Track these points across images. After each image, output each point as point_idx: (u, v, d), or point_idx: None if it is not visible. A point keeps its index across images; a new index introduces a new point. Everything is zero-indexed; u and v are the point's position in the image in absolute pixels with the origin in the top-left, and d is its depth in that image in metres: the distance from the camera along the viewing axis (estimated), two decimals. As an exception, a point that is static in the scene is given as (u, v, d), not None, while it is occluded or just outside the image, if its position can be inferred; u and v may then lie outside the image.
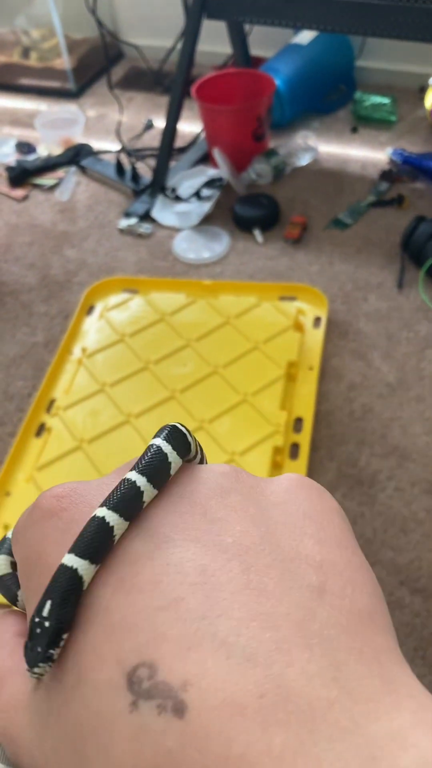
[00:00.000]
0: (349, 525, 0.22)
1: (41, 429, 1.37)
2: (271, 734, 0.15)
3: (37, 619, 0.19)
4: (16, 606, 0.24)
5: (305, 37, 2.17)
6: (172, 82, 2.03)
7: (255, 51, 2.23)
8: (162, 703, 0.16)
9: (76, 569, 0.19)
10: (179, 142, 2.06)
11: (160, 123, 2.25)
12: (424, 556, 1.16)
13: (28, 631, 0.19)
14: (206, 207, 1.85)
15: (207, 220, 1.85)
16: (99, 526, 0.20)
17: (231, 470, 0.23)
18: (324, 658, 0.17)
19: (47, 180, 2.06)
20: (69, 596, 0.19)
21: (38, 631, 0.19)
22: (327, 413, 1.39)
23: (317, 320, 1.55)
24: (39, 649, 0.18)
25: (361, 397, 1.41)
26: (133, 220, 1.87)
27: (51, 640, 0.18)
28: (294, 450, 1.30)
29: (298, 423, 1.34)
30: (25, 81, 2.52)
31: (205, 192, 1.89)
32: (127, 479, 0.21)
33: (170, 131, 1.88)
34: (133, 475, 0.21)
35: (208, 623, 0.17)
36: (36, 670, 0.18)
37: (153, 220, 1.88)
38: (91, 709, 0.17)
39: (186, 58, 1.79)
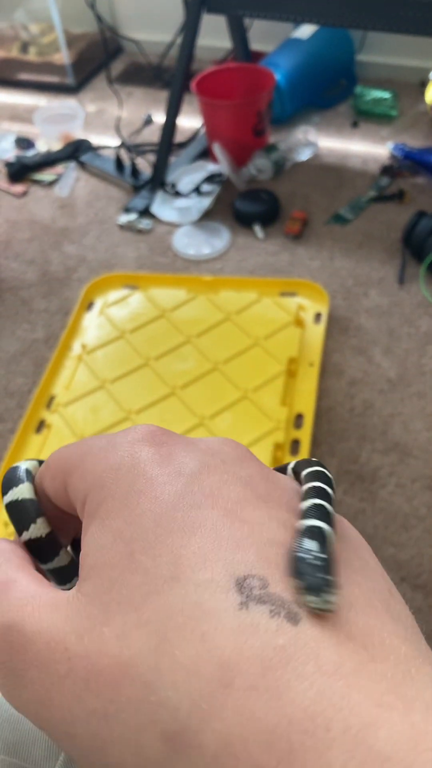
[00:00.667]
0: None
1: (41, 425, 1.36)
2: (373, 666, 0.17)
3: (302, 554, 0.19)
4: (24, 533, 0.24)
5: (305, 31, 2.16)
6: (172, 76, 2.02)
7: (255, 45, 2.22)
8: (275, 609, 0.17)
9: (322, 528, 0.20)
10: (179, 138, 2.05)
11: (159, 118, 2.24)
12: (426, 552, 1.16)
13: (295, 561, 0.19)
14: (206, 202, 1.84)
15: (207, 216, 1.84)
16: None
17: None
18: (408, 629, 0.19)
19: (46, 175, 2.06)
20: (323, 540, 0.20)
21: (314, 562, 0.19)
22: (328, 409, 1.38)
23: (318, 316, 1.54)
24: (324, 576, 0.19)
25: (361, 393, 1.41)
26: (132, 216, 1.86)
27: (328, 571, 0.19)
28: (294, 446, 1.29)
29: (298, 419, 1.34)
30: (24, 76, 2.51)
31: (205, 187, 1.88)
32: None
33: (170, 126, 1.87)
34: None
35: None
36: (328, 597, 0.18)
37: (153, 216, 1.87)
38: (188, 601, 0.18)
39: (186, 53, 1.78)
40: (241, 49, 2.16)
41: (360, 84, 2.27)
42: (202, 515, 0.20)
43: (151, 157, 2.01)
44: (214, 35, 2.20)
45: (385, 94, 2.18)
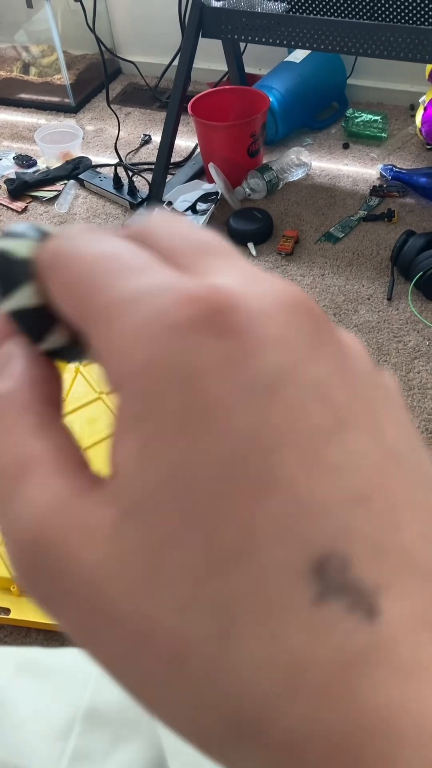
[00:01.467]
0: None
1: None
2: None
3: None
4: (6, 302, 0.19)
5: (298, 55, 2.22)
6: (169, 98, 2.08)
7: (249, 68, 2.29)
8: (353, 602, 0.15)
9: None
10: (175, 157, 2.10)
11: (156, 138, 2.29)
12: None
13: None
14: (201, 220, 1.89)
15: (202, 233, 1.89)
16: None
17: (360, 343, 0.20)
18: None
19: (46, 192, 2.11)
20: None
21: None
22: (318, 421, 1.42)
23: (309, 331, 1.58)
24: None
25: (351, 406, 1.45)
26: (129, 233, 1.91)
27: None
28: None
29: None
30: (25, 96, 2.57)
31: (201, 206, 1.93)
32: None
33: (167, 146, 1.93)
34: None
35: (394, 533, 0.16)
36: None
37: (149, 233, 1.92)
38: (258, 589, 0.15)
39: (182, 76, 1.84)
40: (236, 72, 2.23)
41: (351, 107, 2.34)
42: (281, 462, 0.16)
43: (149, 176, 2.06)
44: (210, 58, 2.26)
45: (376, 117, 2.24)
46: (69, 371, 1.52)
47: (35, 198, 2.10)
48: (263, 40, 1.75)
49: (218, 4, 1.74)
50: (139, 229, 0.20)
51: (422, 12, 1.81)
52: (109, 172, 2.15)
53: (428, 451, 0.19)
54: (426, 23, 1.81)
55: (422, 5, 1.80)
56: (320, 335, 0.17)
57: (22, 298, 0.19)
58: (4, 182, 2.13)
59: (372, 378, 0.19)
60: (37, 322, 0.19)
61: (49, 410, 0.19)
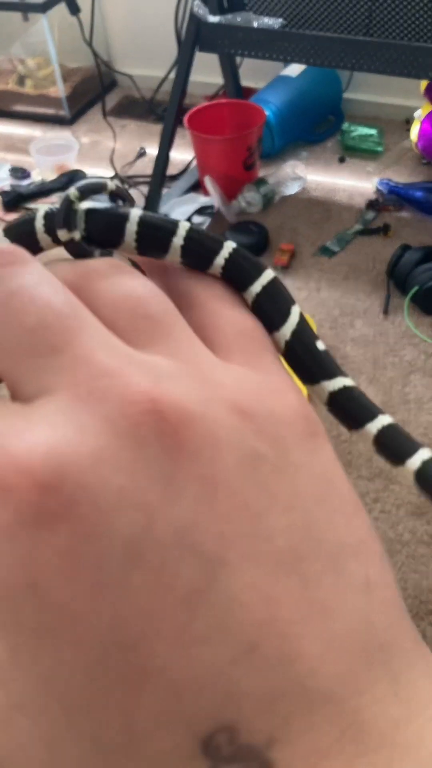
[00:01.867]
0: None
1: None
2: (355, 766, 0.15)
3: None
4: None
5: (295, 69, 2.23)
6: (165, 110, 2.08)
7: (246, 82, 2.30)
8: (247, 765, 0.15)
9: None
10: (171, 170, 2.10)
11: (152, 151, 2.30)
12: (410, 577, 1.19)
13: None
14: (197, 233, 1.88)
15: (198, 246, 1.88)
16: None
17: (243, 404, 0.17)
18: (386, 677, 0.16)
19: (41, 205, 2.10)
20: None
21: None
22: (314, 436, 1.41)
23: (305, 345, 1.58)
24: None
25: (347, 421, 1.44)
26: (125, 245, 1.91)
27: None
28: (282, 472, 1.32)
29: (286, 445, 1.37)
30: (20, 108, 2.57)
31: (197, 219, 1.93)
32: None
33: (163, 159, 1.92)
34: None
35: (287, 668, 0.15)
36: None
37: (145, 246, 1.91)
38: None
39: (179, 89, 1.84)
40: (233, 86, 2.23)
41: (347, 121, 2.35)
42: (148, 651, 0.15)
43: (144, 189, 2.06)
44: (206, 71, 2.27)
45: (372, 131, 2.25)
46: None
47: (30, 210, 2.09)
48: (260, 54, 1.76)
49: (215, 20, 1.75)
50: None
51: (417, 29, 1.82)
52: (104, 184, 2.14)
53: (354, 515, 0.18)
54: (421, 40, 1.83)
55: (417, 23, 1.81)
56: (175, 455, 0.15)
57: None
58: (0, 194, 2.12)
59: (256, 462, 0.16)
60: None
61: None
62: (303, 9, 1.91)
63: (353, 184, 2.12)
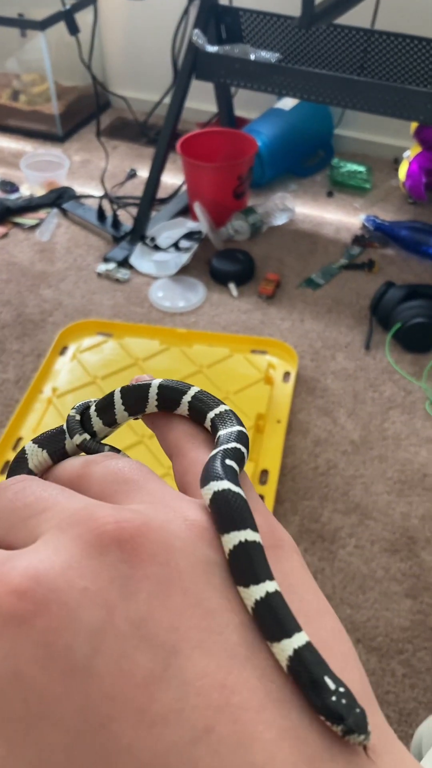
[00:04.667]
0: None
1: (6, 466, 1.36)
2: None
3: None
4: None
5: (288, 103, 2.26)
6: (157, 133, 2.09)
7: (239, 112, 2.32)
8: None
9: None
10: (161, 193, 2.11)
11: (142, 173, 2.31)
12: (381, 615, 1.18)
13: None
14: (184, 258, 1.89)
15: (184, 271, 1.89)
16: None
17: (199, 522, 0.21)
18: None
19: (28, 220, 2.09)
20: None
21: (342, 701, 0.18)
22: (292, 467, 1.41)
23: (287, 375, 1.58)
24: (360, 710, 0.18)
25: (325, 453, 1.44)
26: (111, 265, 1.90)
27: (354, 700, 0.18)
28: (258, 502, 1.31)
29: (264, 475, 1.36)
30: (13, 122, 2.57)
31: (184, 243, 1.93)
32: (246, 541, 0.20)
33: (153, 182, 1.93)
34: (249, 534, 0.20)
35: (244, 752, 0.17)
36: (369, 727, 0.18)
37: (131, 267, 1.91)
38: None
39: (173, 114, 1.85)
40: (226, 114, 2.26)
41: (337, 156, 2.38)
42: (113, 735, 0.17)
43: (133, 210, 2.06)
44: (200, 98, 2.29)
45: (360, 168, 2.29)
46: (42, 402, 1.49)
47: (17, 224, 2.08)
48: (255, 86, 1.78)
49: (213, 50, 1.77)
50: None
51: (409, 72, 1.86)
52: (92, 203, 2.14)
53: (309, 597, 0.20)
54: (413, 83, 1.87)
55: (410, 66, 1.86)
56: (132, 559, 0.18)
57: None
58: (-14, 206, 2.11)
59: (209, 567, 0.19)
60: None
61: None
62: (299, 45, 1.95)
63: (340, 218, 2.15)
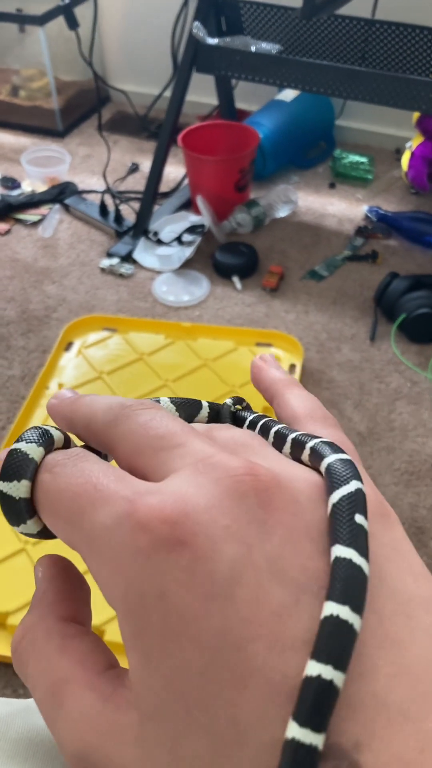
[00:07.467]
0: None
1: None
2: None
3: None
4: (21, 526, 0.24)
5: (289, 94, 2.26)
6: (158, 127, 2.08)
7: (240, 104, 2.32)
8: (337, 764, 0.17)
9: (315, 747, 0.17)
10: (163, 187, 2.11)
11: (144, 167, 2.30)
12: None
13: None
14: (187, 252, 1.89)
15: (187, 265, 1.89)
16: (326, 692, 0.17)
17: (318, 483, 0.22)
18: None
19: (30, 216, 2.09)
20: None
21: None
22: (299, 459, 1.41)
23: (292, 367, 1.58)
24: None
25: (332, 445, 1.44)
26: (114, 260, 1.90)
27: None
28: (266, 494, 1.31)
29: (271, 468, 1.36)
30: (13, 118, 2.56)
31: (187, 237, 1.93)
32: (333, 617, 0.18)
33: (156, 176, 1.93)
34: (336, 608, 0.18)
35: (365, 682, 0.18)
36: None
37: (134, 262, 1.91)
38: (256, 766, 0.17)
39: (174, 108, 1.84)
40: (227, 107, 2.25)
41: (338, 147, 2.37)
42: (251, 653, 0.18)
43: (135, 205, 2.06)
44: (201, 92, 2.28)
45: (362, 159, 2.28)
46: (48, 398, 1.49)
47: (19, 221, 2.08)
48: (255, 78, 1.77)
49: (213, 42, 1.76)
50: (104, 437, 0.24)
51: (411, 61, 1.86)
52: (94, 198, 2.14)
53: (410, 558, 0.21)
54: (414, 73, 1.86)
55: (411, 55, 1.85)
56: (267, 506, 0.20)
57: (29, 528, 0.24)
58: (-11, 203, 2.11)
59: (323, 521, 0.21)
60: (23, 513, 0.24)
61: (69, 627, 0.22)
62: (300, 36, 1.94)
63: (343, 210, 2.14)
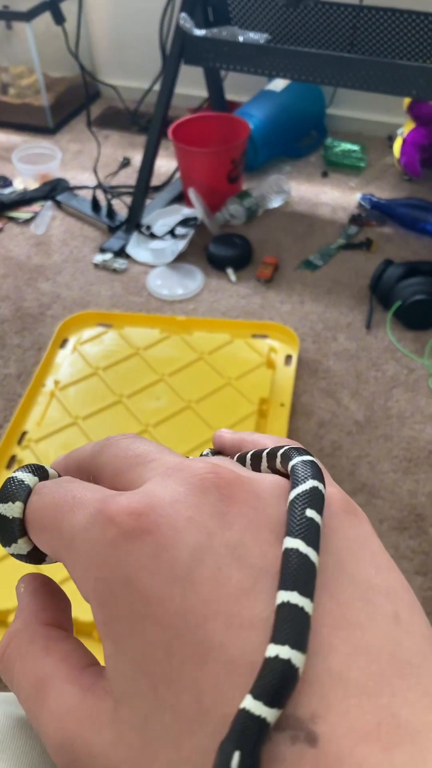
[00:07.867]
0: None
1: (12, 461, 1.36)
2: (391, 755, 0.17)
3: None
4: (12, 546, 0.25)
5: (279, 84, 2.24)
6: (148, 121, 2.07)
7: (230, 95, 2.30)
8: (295, 734, 0.18)
9: (264, 718, 0.17)
10: (154, 181, 2.10)
11: (135, 161, 2.29)
12: (392, 593, 1.18)
13: None
14: (181, 245, 1.88)
15: (181, 258, 1.88)
16: (282, 670, 0.18)
17: (282, 483, 0.24)
18: (418, 686, 0.19)
19: (23, 213, 2.08)
20: (257, 748, 0.18)
21: None
22: (297, 450, 1.41)
23: (288, 358, 1.58)
24: None
25: (330, 434, 1.44)
26: (108, 256, 1.89)
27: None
28: (265, 486, 1.31)
29: (269, 459, 1.36)
30: (3, 116, 2.55)
31: (180, 230, 1.92)
32: (285, 603, 0.19)
33: (147, 170, 1.92)
34: (286, 595, 0.19)
35: (322, 659, 0.19)
36: None
37: (128, 256, 1.90)
38: (218, 740, 0.18)
39: (163, 101, 1.84)
40: (217, 99, 2.24)
41: (330, 136, 2.36)
42: (208, 634, 0.19)
43: (127, 199, 2.05)
44: (190, 84, 2.27)
45: (354, 147, 2.27)
46: (44, 395, 1.49)
47: (11, 219, 2.07)
48: (244, 69, 1.76)
49: (201, 33, 1.75)
50: (93, 468, 0.27)
51: (400, 47, 1.85)
52: (86, 194, 2.13)
53: (371, 547, 0.22)
54: (404, 58, 1.85)
55: (400, 40, 1.84)
56: (228, 500, 0.22)
57: (20, 548, 0.25)
58: (-20, 202, 2.10)
59: (284, 516, 0.22)
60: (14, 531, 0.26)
61: (52, 631, 0.24)
62: (288, 25, 1.93)
63: (336, 198, 2.13)
